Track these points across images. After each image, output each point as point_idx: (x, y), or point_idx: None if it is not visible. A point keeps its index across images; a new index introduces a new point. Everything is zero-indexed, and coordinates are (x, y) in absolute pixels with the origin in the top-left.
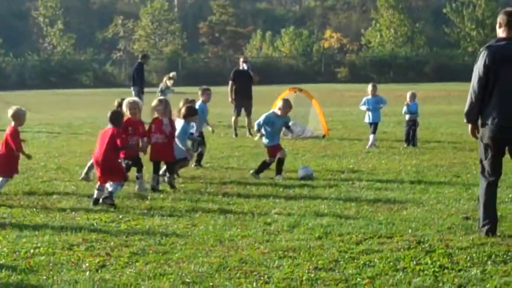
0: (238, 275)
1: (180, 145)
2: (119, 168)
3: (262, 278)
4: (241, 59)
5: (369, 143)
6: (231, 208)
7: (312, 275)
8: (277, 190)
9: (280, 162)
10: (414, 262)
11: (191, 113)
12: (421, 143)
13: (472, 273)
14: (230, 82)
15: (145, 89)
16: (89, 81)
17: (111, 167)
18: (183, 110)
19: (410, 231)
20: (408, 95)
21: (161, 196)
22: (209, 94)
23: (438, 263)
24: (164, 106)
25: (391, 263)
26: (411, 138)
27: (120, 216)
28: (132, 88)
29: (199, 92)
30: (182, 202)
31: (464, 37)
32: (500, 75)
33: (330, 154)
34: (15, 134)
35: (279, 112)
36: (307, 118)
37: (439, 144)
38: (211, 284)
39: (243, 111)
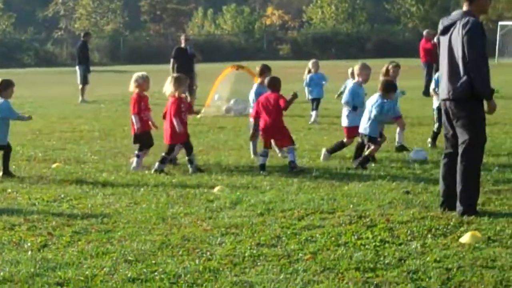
0: (180, 252)
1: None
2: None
3: (204, 255)
4: (182, 37)
5: (311, 119)
6: (174, 186)
7: (255, 251)
8: (220, 168)
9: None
10: (356, 237)
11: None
12: None
13: (412, 246)
14: (172, 60)
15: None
16: (31, 60)
17: (283, 132)
18: None
19: (351, 206)
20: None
21: (104, 175)
22: None
23: (379, 237)
24: None
25: (333, 238)
26: None
27: (62, 196)
28: (77, 67)
29: None
30: (125, 180)
31: (404, 13)
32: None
33: None
34: None
35: (359, 79)
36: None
37: None
38: (153, 262)
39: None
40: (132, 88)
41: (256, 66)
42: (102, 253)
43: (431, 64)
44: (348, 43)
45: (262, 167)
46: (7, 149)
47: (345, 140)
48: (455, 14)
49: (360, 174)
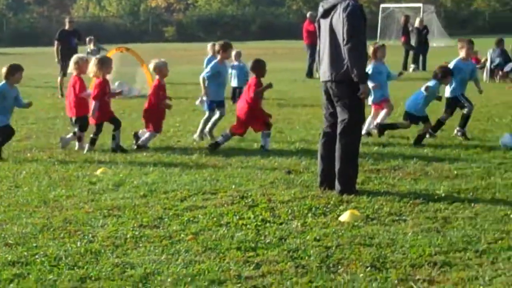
0: (62, 235)
1: None
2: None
3: (86, 237)
4: (67, 19)
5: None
6: (56, 168)
7: (137, 233)
8: (103, 150)
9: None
10: (237, 217)
11: None
12: None
13: (293, 225)
14: (56, 43)
15: None
16: None
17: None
18: None
19: (233, 186)
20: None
21: None
22: None
23: (260, 217)
24: None
25: (215, 219)
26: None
27: None
28: None
29: None
30: (6, 163)
31: None
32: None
33: None
34: None
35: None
36: (134, 77)
37: (264, 101)
38: (34, 244)
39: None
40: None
41: (142, 48)
42: None
43: (314, 46)
44: (233, 26)
45: (215, 145)
46: None
47: None
48: None
49: (243, 155)
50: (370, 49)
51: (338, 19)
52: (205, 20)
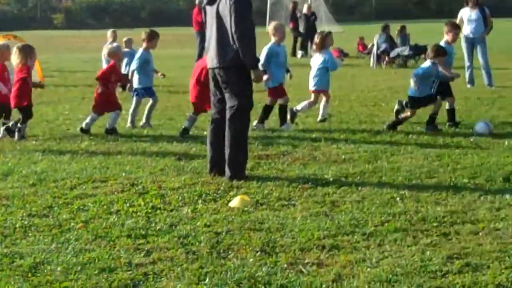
0: None
1: None
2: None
3: None
4: None
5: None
6: None
7: (26, 222)
8: None
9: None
10: (128, 204)
11: None
12: None
13: (184, 212)
14: None
15: None
16: None
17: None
18: None
19: (124, 174)
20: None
21: None
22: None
23: (150, 204)
24: None
25: (105, 207)
26: None
27: None
28: None
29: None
30: None
31: None
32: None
33: (46, 100)
34: None
35: (276, 39)
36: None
37: (155, 88)
38: None
39: None
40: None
41: (30, 35)
42: None
43: (204, 33)
44: (122, 12)
45: (185, 131)
46: None
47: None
48: None
49: (133, 143)
50: (317, 38)
51: (225, 5)
52: (94, 7)
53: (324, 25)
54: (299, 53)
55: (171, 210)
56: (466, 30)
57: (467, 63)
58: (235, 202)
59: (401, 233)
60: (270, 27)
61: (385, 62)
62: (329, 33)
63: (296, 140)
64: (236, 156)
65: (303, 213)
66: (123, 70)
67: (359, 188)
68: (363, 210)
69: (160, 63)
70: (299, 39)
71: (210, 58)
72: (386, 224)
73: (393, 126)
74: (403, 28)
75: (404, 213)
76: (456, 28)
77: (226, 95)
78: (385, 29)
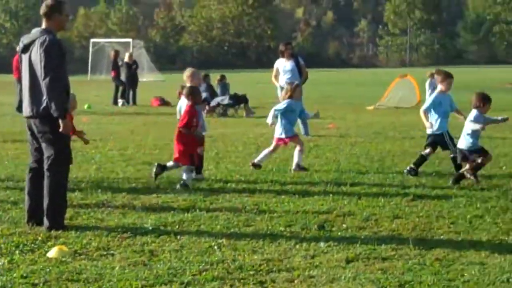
0: None
1: None
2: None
3: None
4: None
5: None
6: None
7: None
8: None
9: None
10: None
11: None
12: None
13: (0, 263)
14: None
15: None
16: None
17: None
18: None
19: None
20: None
21: None
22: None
23: None
24: None
25: None
26: None
27: None
28: None
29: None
30: None
31: None
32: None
33: None
34: None
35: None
36: None
37: None
38: None
39: None
40: None
41: None
42: None
43: None
44: None
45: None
46: None
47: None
48: (34, 31)
49: None
50: (287, 88)
51: (36, 54)
52: None
53: (146, 73)
54: (120, 101)
55: None
56: (282, 80)
57: None
58: (53, 253)
59: (219, 281)
60: (186, 73)
61: (205, 111)
62: (297, 85)
63: (116, 188)
64: (55, 205)
65: (122, 262)
66: None
67: (178, 237)
68: (181, 259)
69: None
70: (120, 88)
71: (25, 107)
72: (204, 273)
73: (457, 181)
74: (223, 78)
75: (222, 262)
76: (449, 77)
77: (43, 145)
78: (206, 78)
